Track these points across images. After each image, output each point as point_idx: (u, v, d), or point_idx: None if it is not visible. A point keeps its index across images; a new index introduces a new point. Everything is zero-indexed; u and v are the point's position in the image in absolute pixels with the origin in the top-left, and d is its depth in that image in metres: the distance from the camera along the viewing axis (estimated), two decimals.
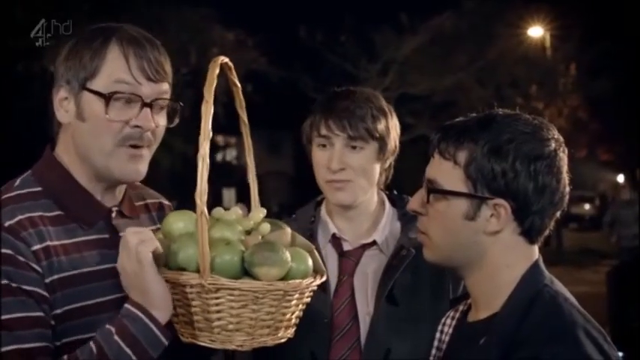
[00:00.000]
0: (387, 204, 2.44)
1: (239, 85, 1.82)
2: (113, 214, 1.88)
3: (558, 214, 1.68)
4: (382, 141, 2.32)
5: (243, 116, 1.85)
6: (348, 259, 2.36)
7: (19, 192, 1.80)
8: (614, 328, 6.97)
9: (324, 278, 1.81)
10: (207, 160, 1.65)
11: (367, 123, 2.28)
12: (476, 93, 21.50)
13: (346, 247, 2.38)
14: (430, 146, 1.71)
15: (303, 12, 23.35)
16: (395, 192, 2.50)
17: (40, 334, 1.70)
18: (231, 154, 32.71)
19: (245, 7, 20.43)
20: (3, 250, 1.70)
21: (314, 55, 21.17)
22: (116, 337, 1.66)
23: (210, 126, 1.68)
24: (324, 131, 2.31)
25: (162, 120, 1.86)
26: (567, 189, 1.67)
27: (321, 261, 1.85)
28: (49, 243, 1.75)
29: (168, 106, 1.87)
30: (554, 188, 1.63)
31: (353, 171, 2.29)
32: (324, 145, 2.32)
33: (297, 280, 1.72)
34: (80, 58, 1.79)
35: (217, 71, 1.72)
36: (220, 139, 27.81)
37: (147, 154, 1.85)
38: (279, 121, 25.41)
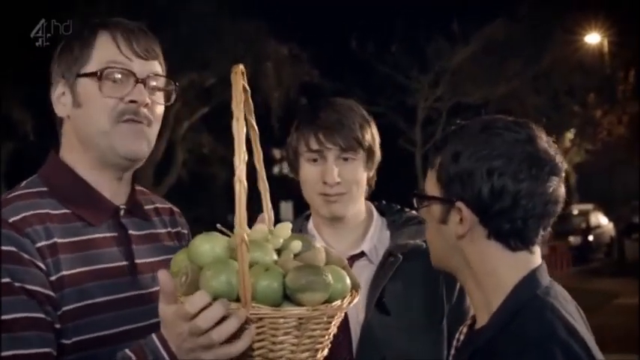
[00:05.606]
0: (375, 213, 2.41)
1: (249, 89, 1.72)
2: (121, 213, 1.88)
3: (551, 221, 1.62)
4: (370, 150, 2.31)
5: (253, 122, 1.75)
6: None
7: (24, 191, 1.81)
8: None
9: (358, 294, 1.72)
10: (245, 184, 1.56)
11: (356, 133, 2.26)
12: (531, 101, 21.22)
13: None
14: None
15: (354, 23, 23.35)
16: (384, 202, 2.47)
17: (40, 337, 1.65)
18: (287, 168, 32.65)
19: (296, 20, 20.51)
20: (6, 248, 1.66)
21: (365, 67, 21.14)
22: None
23: (244, 146, 1.57)
24: (315, 146, 2.27)
25: (159, 99, 1.89)
26: (553, 194, 1.59)
27: (354, 274, 1.76)
28: (56, 240, 1.73)
29: (164, 86, 1.90)
30: (518, 191, 1.56)
31: (347, 183, 2.27)
32: (315, 160, 2.29)
33: (339, 302, 1.64)
34: (71, 51, 1.85)
35: (241, 83, 1.63)
36: (277, 152, 27.84)
37: (148, 131, 1.85)
38: None
